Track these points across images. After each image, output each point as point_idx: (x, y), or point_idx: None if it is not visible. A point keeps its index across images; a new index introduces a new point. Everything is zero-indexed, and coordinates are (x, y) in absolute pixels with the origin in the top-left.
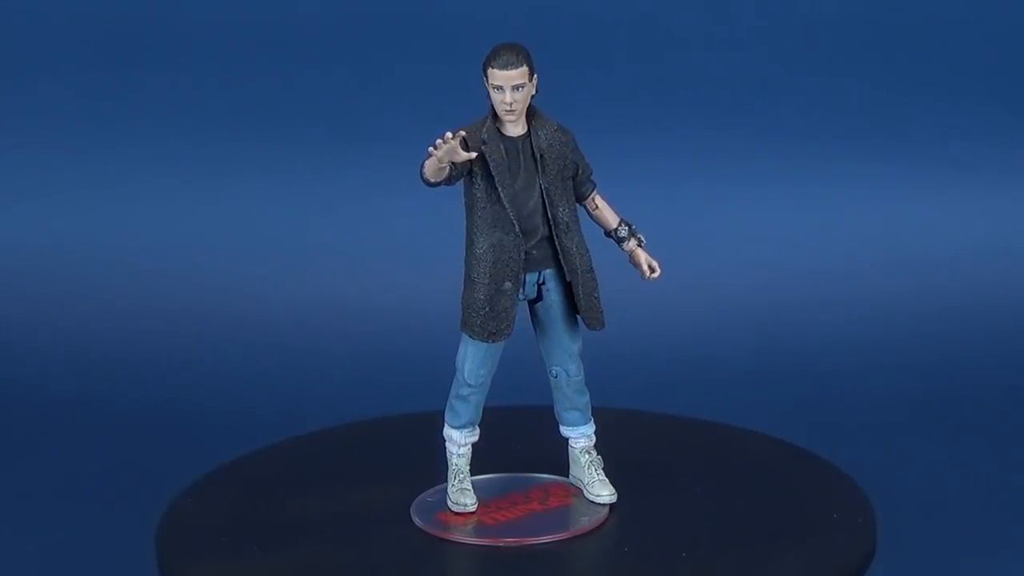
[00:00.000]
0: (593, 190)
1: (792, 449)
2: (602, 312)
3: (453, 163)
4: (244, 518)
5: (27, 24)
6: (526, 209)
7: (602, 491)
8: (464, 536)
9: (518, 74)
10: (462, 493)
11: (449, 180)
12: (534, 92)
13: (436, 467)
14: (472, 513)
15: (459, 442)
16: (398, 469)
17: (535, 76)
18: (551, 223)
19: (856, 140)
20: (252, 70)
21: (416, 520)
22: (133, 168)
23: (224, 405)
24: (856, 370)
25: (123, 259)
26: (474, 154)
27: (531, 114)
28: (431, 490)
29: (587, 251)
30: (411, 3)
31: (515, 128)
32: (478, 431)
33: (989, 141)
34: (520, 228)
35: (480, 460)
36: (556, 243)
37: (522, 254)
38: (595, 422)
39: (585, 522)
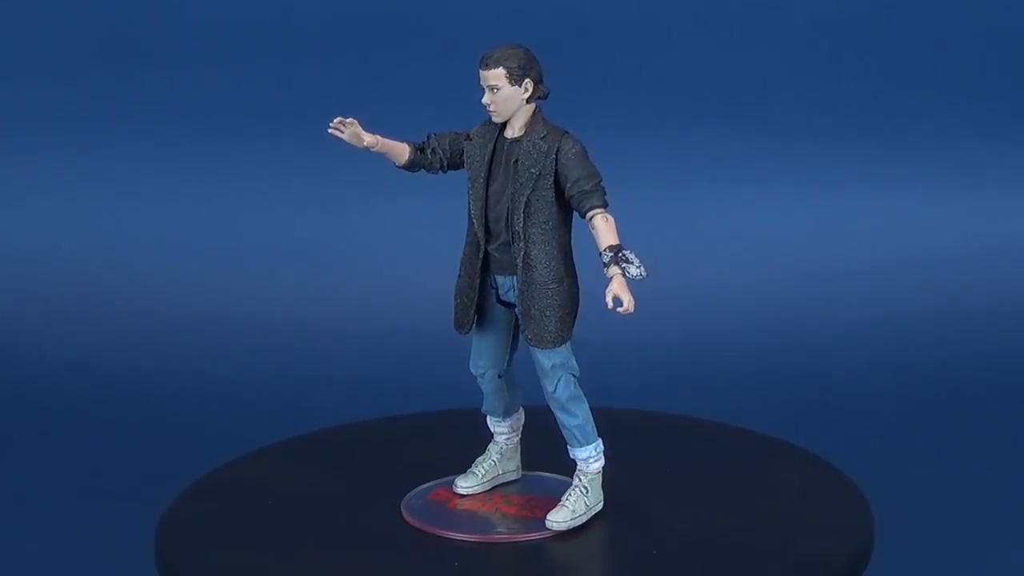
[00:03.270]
0: (593, 209)
1: (790, 449)
2: (553, 332)
3: (422, 149)
4: (243, 518)
5: (27, 24)
6: (495, 212)
7: (553, 515)
8: (456, 532)
9: (491, 75)
10: (463, 475)
11: (423, 167)
12: (526, 95)
13: (433, 466)
14: (459, 495)
15: (488, 426)
16: (396, 469)
17: (526, 81)
18: (512, 230)
19: (856, 140)
20: (252, 70)
21: (407, 516)
22: (133, 168)
23: (224, 405)
24: (855, 370)
25: (123, 260)
26: (367, 139)
27: (533, 119)
28: (422, 487)
29: (550, 265)
30: (411, 3)
31: (511, 130)
32: (506, 425)
33: (989, 141)
34: (486, 228)
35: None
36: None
37: (481, 253)
38: (593, 422)
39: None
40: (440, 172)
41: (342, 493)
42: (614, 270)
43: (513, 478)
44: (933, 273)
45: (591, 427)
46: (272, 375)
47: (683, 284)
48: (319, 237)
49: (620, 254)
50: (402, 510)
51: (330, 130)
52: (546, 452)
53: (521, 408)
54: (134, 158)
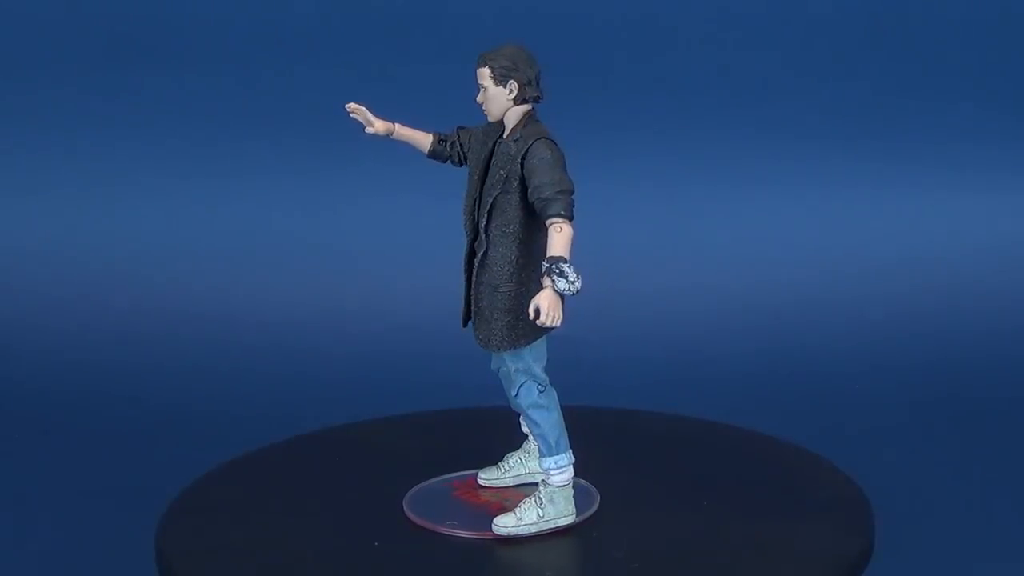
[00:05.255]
0: (550, 218)
1: (791, 448)
2: (499, 336)
3: (443, 141)
4: (244, 517)
5: (27, 24)
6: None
7: (500, 519)
8: (454, 529)
9: (480, 74)
10: (488, 467)
11: (445, 159)
12: (511, 96)
13: (432, 465)
14: (478, 485)
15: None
16: (396, 469)
17: (510, 82)
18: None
19: (856, 140)
20: (252, 70)
21: (408, 512)
22: (132, 168)
23: (223, 406)
24: (855, 370)
25: (122, 259)
26: (377, 125)
27: (521, 122)
28: (424, 483)
29: (503, 269)
30: (411, 3)
31: (505, 131)
32: (525, 427)
33: (989, 141)
34: (475, 225)
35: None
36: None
37: (467, 249)
38: (594, 423)
39: (579, 519)
40: (463, 165)
41: (342, 493)
42: (546, 281)
43: (544, 479)
44: (933, 273)
45: (556, 438)
46: (272, 375)
47: (683, 284)
48: (319, 237)
49: (555, 266)
50: (404, 504)
51: (351, 115)
52: (587, 455)
53: None
54: (134, 158)
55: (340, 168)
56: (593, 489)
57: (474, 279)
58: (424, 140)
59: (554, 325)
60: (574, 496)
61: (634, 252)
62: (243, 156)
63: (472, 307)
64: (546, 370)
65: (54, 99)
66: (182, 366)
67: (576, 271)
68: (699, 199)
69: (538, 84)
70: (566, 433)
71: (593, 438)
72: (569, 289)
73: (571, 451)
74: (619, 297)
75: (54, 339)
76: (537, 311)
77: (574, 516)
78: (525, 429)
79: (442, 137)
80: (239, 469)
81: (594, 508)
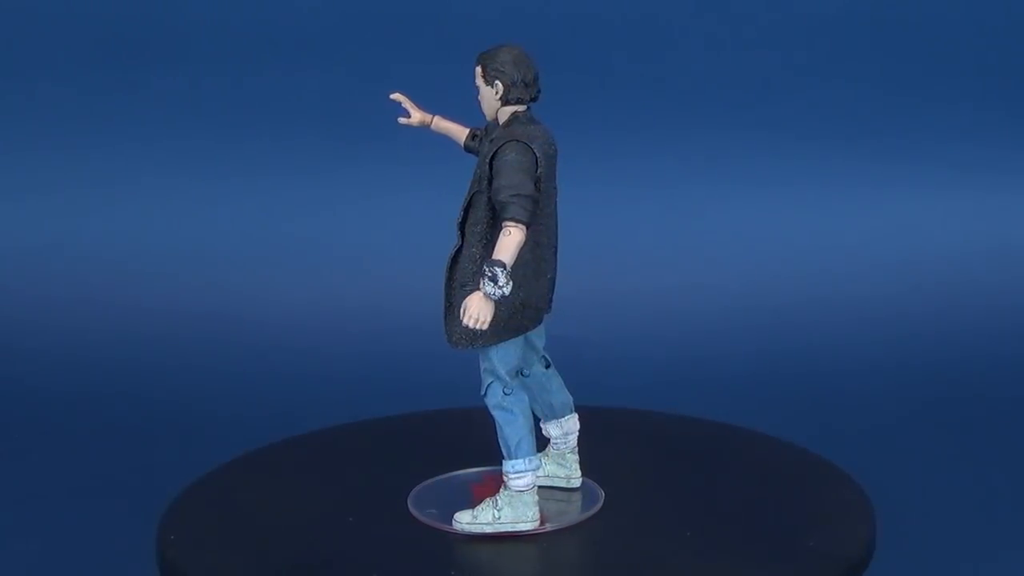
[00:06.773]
0: (504, 221)
1: (792, 448)
2: (458, 333)
3: (475, 136)
4: (244, 517)
5: (27, 24)
6: None
7: (459, 514)
8: (430, 519)
9: (475, 73)
10: None
11: (475, 153)
12: (498, 96)
13: (433, 465)
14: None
15: None
16: (397, 469)
17: (496, 82)
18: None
19: (856, 140)
20: (252, 70)
21: (412, 510)
22: (132, 168)
23: (224, 405)
24: (856, 370)
25: (123, 260)
26: (415, 116)
27: (506, 122)
28: (428, 481)
29: (467, 268)
30: (411, 3)
31: None
32: (546, 427)
33: (989, 141)
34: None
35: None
36: None
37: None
38: (594, 422)
39: (578, 519)
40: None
41: (342, 493)
42: (479, 283)
43: (563, 485)
44: (933, 273)
45: (517, 443)
46: (272, 375)
47: (683, 284)
48: (319, 237)
49: (488, 269)
50: (413, 490)
51: (401, 105)
52: (586, 455)
53: (572, 415)
54: (134, 158)
55: (341, 168)
56: (600, 492)
57: (448, 275)
58: (460, 134)
59: (478, 328)
60: (579, 497)
61: (634, 252)
62: (243, 156)
63: (444, 302)
64: (513, 373)
65: (54, 99)
66: (182, 366)
67: (507, 276)
68: (699, 199)
69: (528, 86)
70: (531, 439)
71: (592, 438)
72: (495, 294)
73: (535, 457)
74: (619, 297)
75: (54, 339)
76: (463, 309)
77: (536, 522)
78: (546, 433)
79: (475, 133)
80: (239, 469)
81: (592, 511)
